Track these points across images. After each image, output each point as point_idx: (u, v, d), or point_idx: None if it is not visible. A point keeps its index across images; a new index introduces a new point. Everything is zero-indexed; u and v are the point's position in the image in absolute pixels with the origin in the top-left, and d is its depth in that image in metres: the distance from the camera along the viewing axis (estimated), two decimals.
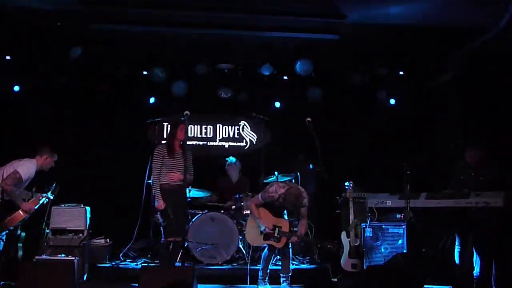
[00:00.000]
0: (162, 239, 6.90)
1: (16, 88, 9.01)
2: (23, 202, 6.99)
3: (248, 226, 7.14)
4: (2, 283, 6.66)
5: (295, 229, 6.99)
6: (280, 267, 7.08)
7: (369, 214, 7.47)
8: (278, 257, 7.45)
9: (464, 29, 7.73)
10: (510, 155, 7.17)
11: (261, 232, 6.89)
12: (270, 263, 7.09)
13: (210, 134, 9.80)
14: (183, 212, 6.78)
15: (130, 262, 8.09)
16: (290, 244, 6.95)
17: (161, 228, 6.92)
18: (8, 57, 8.63)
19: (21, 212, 6.93)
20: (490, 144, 6.89)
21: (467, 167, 6.81)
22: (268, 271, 7.06)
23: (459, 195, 6.56)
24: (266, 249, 7.01)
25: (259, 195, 6.97)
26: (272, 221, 6.92)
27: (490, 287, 6.51)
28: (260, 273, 7.05)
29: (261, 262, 7.09)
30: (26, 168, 6.88)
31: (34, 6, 7.30)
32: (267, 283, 7.00)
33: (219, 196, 8.88)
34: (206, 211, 8.05)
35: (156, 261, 7.92)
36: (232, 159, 9.03)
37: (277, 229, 6.87)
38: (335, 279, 7.35)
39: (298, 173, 8.54)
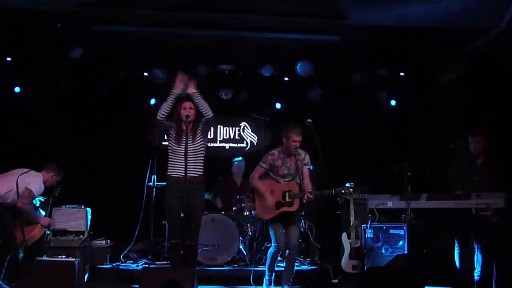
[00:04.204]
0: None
1: (17, 89, 9.01)
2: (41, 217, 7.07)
3: (257, 202, 6.82)
4: (4, 285, 6.68)
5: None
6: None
7: (369, 215, 7.47)
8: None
9: (465, 29, 7.73)
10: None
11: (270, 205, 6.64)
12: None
13: (210, 135, 9.77)
14: (192, 212, 6.22)
15: (131, 263, 8.09)
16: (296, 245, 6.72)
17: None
18: (8, 58, 8.63)
19: (40, 227, 7.04)
20: (491, 145, 6.89)
21: (471, 164, 6.80)
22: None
23: (460, 196, 6.55)
24: (272, 247, 6.77)
25: (260, 163, 6.76)
26: (280, 187, 6.67)
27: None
28: (266, 273, 6.82)
29: (267, 260, 6.81)
30: (38, 186, 6.91)
31: (35, 7, 7.30)
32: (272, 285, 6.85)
33: (223, 198, 8.88)
34: (206, 212, 8.04)
35: (156, 263, 7.93)
36: (239, 158, 9.06)
37: (287, 194, 6.62)
38: (336, 281, 7.34)
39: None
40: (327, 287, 7.12)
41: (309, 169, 6.70)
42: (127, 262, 8.13)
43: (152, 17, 7.66)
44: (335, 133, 9.20)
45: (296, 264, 7.90)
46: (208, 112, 6.23)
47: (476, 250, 6.60)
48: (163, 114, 6.22)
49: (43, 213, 7.16)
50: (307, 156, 6.69)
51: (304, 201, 6.57)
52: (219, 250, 7.88)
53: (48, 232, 7.42)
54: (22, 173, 6.88)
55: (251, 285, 7.18)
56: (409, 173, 6.90)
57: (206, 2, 7.33)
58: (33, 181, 6.86)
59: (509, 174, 6.72)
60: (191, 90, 6.25)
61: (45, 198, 7.23)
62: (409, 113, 9.44)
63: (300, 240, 8.36)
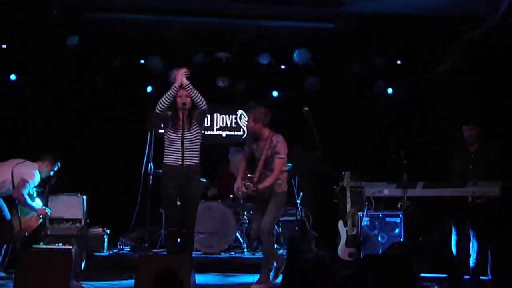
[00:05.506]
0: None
1: (13, 76, 8.97)
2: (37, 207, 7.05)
3: None
4: (1, 273, 6.70)
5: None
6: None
7: (366, 203, 7.49)
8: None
9: (463, 18, 7.73)
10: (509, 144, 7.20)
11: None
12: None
13: (207, 123, 9.76)
14: (189, 200, 6.22)
15: (128, 251, 8.11)
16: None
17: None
18: (4, 46, 8.59)
19: (37, 217, 7.03)
20: (488, 133, 6.90)
21: (466, 153, 6.81)
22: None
23: (456, 184, 6.58)
24: None
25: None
26: (247, 174, 6.59)
27: (485, 275, 6.55)
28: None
29: None
30: (33, 176, 6.87)
31: None
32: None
33: (218, 185, 8.88)
34: (203, 200, 8.06)
35: (153, 250, 7.95)
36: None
37: (245, 182, 6.47)
38: None
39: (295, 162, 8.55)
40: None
41: (280, 158, 6.39)
42: (124, 249, 8.16)
43: (149, 5, 7.64)
44: (332, 121, 9.19)
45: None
46: (202, 103, 6.19)
47: (471, 237, 6.63)
48: (162, 107, 6.19)
49: (40, 203, 7.15)
50: (280, 145, 6.41)
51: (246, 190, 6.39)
52: (216, 237, 7.92)
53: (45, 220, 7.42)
54: (17, 164, 6.86)
55: (248, 272, 7.20)
56: (405, 161, 6.91)
57: None
58: (28, 171, 6.83)
59: (504, 162, 6.74)
60: (183, 81, 6.20)
61: (42, 189, 7.22)
62: (406, 102, 9.44)
63: (296, 228, 8.42)
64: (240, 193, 6.52)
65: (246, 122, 9.87)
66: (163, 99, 6.17)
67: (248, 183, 6.40)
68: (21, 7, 7.60)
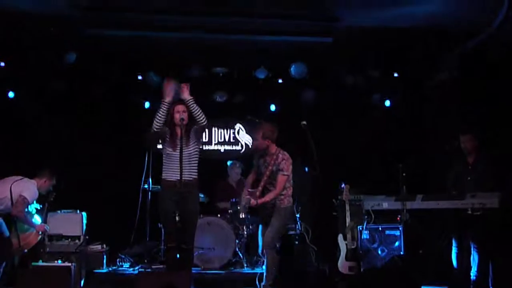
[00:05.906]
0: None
1: (11, 94, 8.98)
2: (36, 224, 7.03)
3: None
4: None
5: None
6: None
7: (365, 217, 7.48)
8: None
9: (458, 30, 7.76)
10: (507, 156, 7.20)
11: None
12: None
13: (205, 138, 9.77)
14: (187, 216, 6.19)
15: (127, 267, 8.08)
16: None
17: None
18: (2, 64, 8.59)
19: (36, 234, 7.00)
20: (485, 145, 6.90)
21: (464, 165, 6.81)
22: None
23: (455, 196, 6.57)
24: None
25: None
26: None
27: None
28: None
29: None
30: (32, 192, 6.86)
31: (27, 11, 7.28)
32: None
33: (217, 199, 8.87)
34: (201, 215, 8.03)
35: (153, 266, 7.90)
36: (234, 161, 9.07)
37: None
38: None
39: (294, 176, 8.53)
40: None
41: (283, 175, 6.50)
42: (123, 266, 8.12)
43: (146, 21, 7.66)
44: (330, 134, 9.20)
45: None
46: (202, 119, 6.17)
47: (472, 250, 6.62)
48: (159, 125, 6.18)
49: (39, 219, 7.13)
50: (284, 162, 6.52)
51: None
52: (215, 253, 7.88)
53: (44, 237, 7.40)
54: (15, 181, 6.84)
55: (248, 287, 7.17)
56: (404, 174, 6.91)
57: (200, 5, 7.34)
58: (27, 188, 6.82)
59: (502, 172, 6.74)
60: (186, 96, 6.21)
61: (41, 205, 7.20)
62: (403, 114, 9.45)
63: (296, 242, 8.38)
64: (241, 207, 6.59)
65: (244, 137, 9.90)
66: (158, 117, 6.16)
67: (248, 197, 6.46)
68: (17, 25, 7.62)
